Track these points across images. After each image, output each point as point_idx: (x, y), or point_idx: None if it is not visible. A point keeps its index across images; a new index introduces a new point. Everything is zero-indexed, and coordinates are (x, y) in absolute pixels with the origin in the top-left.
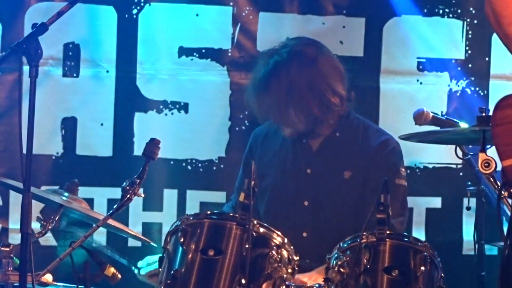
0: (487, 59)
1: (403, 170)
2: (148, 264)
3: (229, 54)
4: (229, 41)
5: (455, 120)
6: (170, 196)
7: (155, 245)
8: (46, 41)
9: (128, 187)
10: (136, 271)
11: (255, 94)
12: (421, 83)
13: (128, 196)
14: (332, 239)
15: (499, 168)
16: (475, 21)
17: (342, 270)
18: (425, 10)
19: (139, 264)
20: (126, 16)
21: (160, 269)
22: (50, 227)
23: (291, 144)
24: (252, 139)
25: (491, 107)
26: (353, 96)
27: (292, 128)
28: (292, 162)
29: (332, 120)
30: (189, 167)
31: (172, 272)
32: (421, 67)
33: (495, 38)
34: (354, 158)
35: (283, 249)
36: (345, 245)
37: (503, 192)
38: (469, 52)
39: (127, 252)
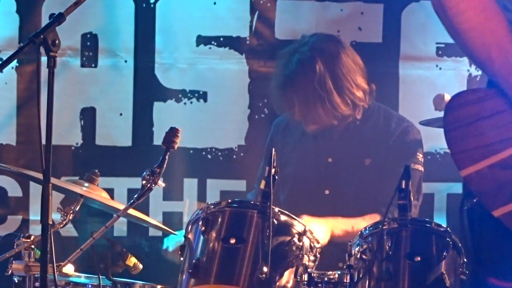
0: None
1: (421, 156)
2: (175, 242)
3: (247, 42)
4: (247, 29)
5: None
6: (190, 185)
7: (176, 234)
8: (64, 32)
9: (148, 177)
10: (164, 247)
11: (281, 93)
12: (440, 68)
13: (149, 185)
14: None
15: None
16: None
17: (364, 256)
18: None
19: (165, 243)
20: (144, 5)
21: (181, 258)
22: (70, 218)
23: (312, 133)
24: (273, 129)
25: None
26: (374, 88)
27: (317, 125)
28: (314, 151)
29: (359, 115)
30: (209, 156)
31: (193, 261)
32: (440, 52)
33: None
34: (375, 145)
35: (304, 237)
36: (367, 232)
37: (465, 203)
38: None
39: (148, 241)
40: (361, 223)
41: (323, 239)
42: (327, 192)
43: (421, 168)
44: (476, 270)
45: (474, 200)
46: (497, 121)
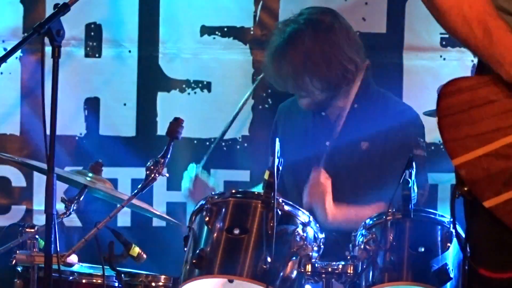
0: None
1: (422, 140)
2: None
3: (252, 32)
4: (251, 19)
5: None
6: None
7: (180, 224)
8: (68, 22)
9: (152, 167)
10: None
11: (272, 63)
12: (444, 59)
13: (152, 175)
14: None
15: None
16: None
17: (368, 247)
18: None
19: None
20: None
21: (185, 248)
22: (74, 208)
23: (311, 117)
24: (277, 115)
25: None
26: (369, 64)
27: (309, 98)
28: (312, 135)
29: (346, 86)
30: (213, 146)
31: (197, 251)
32: (444, 43)
33: None
34: (372, 128)
35: (308, 227)
36: (371, 222)
37: (457, 192)
38: None
39: (152, 232)
40: (366, 211)
41: (327, 213)
42: None
43: (423, 154)
44: (467, 260)
45: (465, 189)
46: (490, 110)
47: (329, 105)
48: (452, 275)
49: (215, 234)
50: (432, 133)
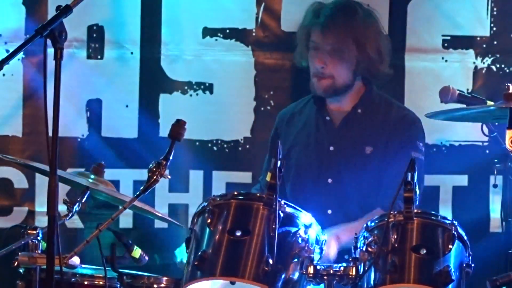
0: None
1: (421, 144)
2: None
3: (254, 34)
4: (253, 21)
5: (481, 97)
6: (196, 177)
7: (182, 226)
8: (70, 23)
9: (154, 169)
10: (178, 260)
11: (320, 32)
12: (446, 60)
13: (155, 177)
14: (357, 216)
15: None
16: None
17: (369, 249)
18: None
19: (178, 256)
20: None
21: (187, 250)
22: (76, 210)
23: (314, 122)
24: (278, 120)
25: None
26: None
27: (331, 80)
28: (315, 139)
29: (359, 81)
30: (215, 148)
31: (199, 253)
32: (446, 44)
33: None
34: (375, 133)
35: (310, 229)
36: (373, 224)
37: None
38: (494, 29)
39: (154, 233)
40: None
41: (333, 253)
42: (330, 181)
43: (421, 157)
44: None
45: None
46: None
47: (344, 93)
48: (454, 277)
49: (217, 236)
50: (434, 135)
